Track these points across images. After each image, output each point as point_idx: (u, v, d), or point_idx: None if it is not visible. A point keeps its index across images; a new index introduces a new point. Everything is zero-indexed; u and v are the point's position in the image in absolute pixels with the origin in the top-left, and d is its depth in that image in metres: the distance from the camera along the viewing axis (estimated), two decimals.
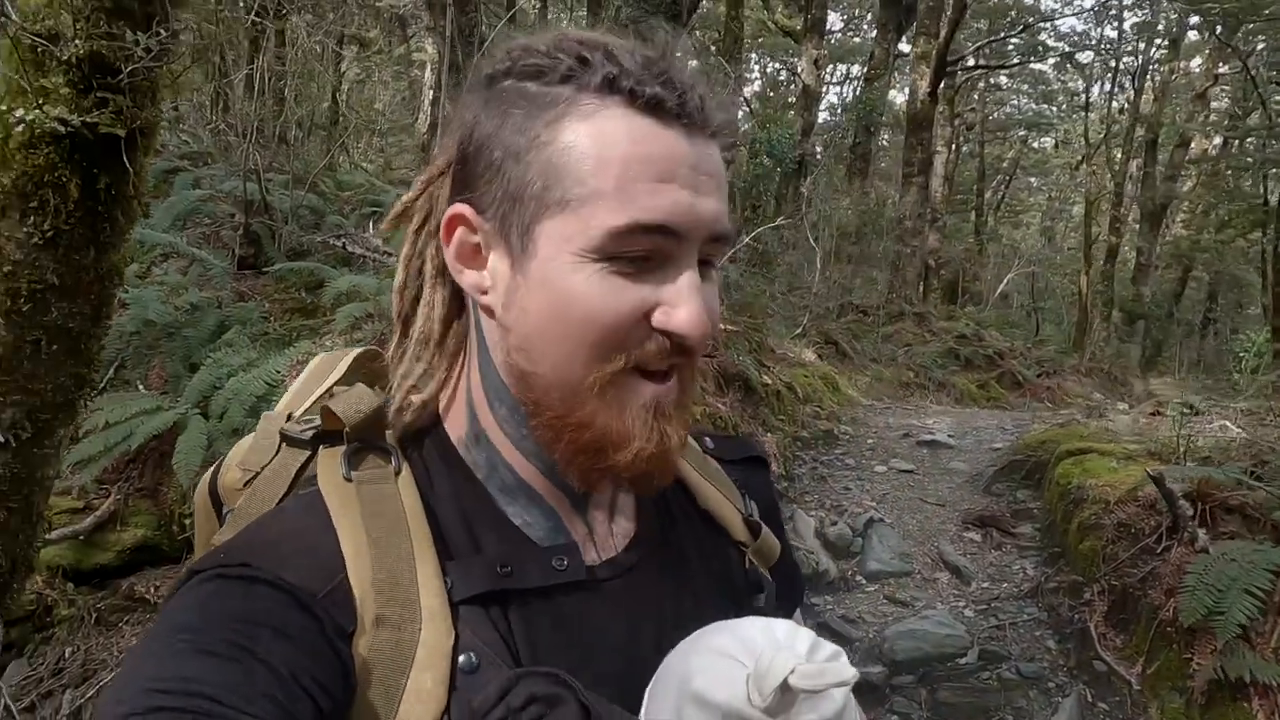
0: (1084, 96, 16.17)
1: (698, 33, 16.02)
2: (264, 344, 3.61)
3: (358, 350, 0.66)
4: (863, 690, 2.13)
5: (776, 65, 19.04)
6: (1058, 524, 3.20)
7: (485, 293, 0.53)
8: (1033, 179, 20.42)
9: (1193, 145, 16.55)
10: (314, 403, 0.62)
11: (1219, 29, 12.67)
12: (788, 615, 0.62)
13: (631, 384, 0.50)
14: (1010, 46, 13.79)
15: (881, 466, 4.29)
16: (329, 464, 0.55)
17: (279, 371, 3.33)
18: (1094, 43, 14.07)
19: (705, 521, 0.64)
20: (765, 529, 0.66)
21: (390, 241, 4.61)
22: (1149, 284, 15.94)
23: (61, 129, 1.09)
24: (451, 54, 8.88)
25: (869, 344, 8.68)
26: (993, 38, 13.60)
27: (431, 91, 15.79)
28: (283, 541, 0.49)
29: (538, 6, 11.53)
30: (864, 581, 3.25)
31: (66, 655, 2.79)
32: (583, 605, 0.54)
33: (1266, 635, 2.23)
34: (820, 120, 19.41)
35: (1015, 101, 18.06)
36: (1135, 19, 14.24)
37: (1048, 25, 14.47)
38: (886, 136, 17.63)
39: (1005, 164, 19.30)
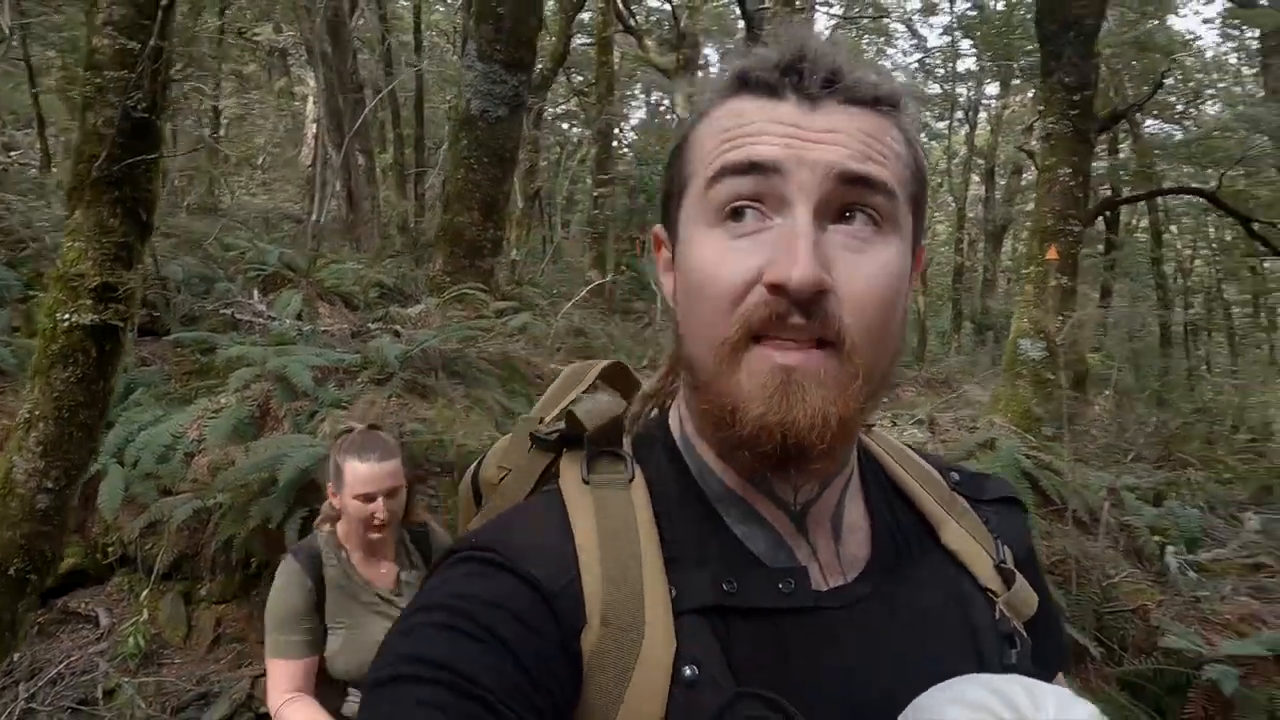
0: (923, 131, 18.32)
1: (574, 73, 17.31)
2: (167, 402, 4.50)
3: (606, 362, 0.70)
4: None
5: (660, 96, 20.42)
6: None
7: (673, 296, 0.59)
8: None
9: (1029, 171, 19.01)
10: (561, 410, 0.65)
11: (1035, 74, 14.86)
12: (1048, 679, 0.55)
13: (755, 352, 0.50)
14: None
15: None
16: (570, 467, 0.59)
17: (182, 425, 4.25)
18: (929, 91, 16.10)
19: (949, 562, 0.62)
20: (1020, 578, 0.63)
21: (274, 306, 5.52)
22: (994, 298, 18.13)
23: (88, 323, 2.15)
24: (330, 97, 9.72)
25: None
26: None
27: (314, 125, 16.38)
28: (525, 535, 0.55)
29: (413, 44, 12.42)
30: None
31: (16, 659, 3.65)
32: (806, 632, 0.54)
33: None
34: None
35: None
36: (965, 65, 16.37)
37: (897, 70, 16.43)
38: None
39: None
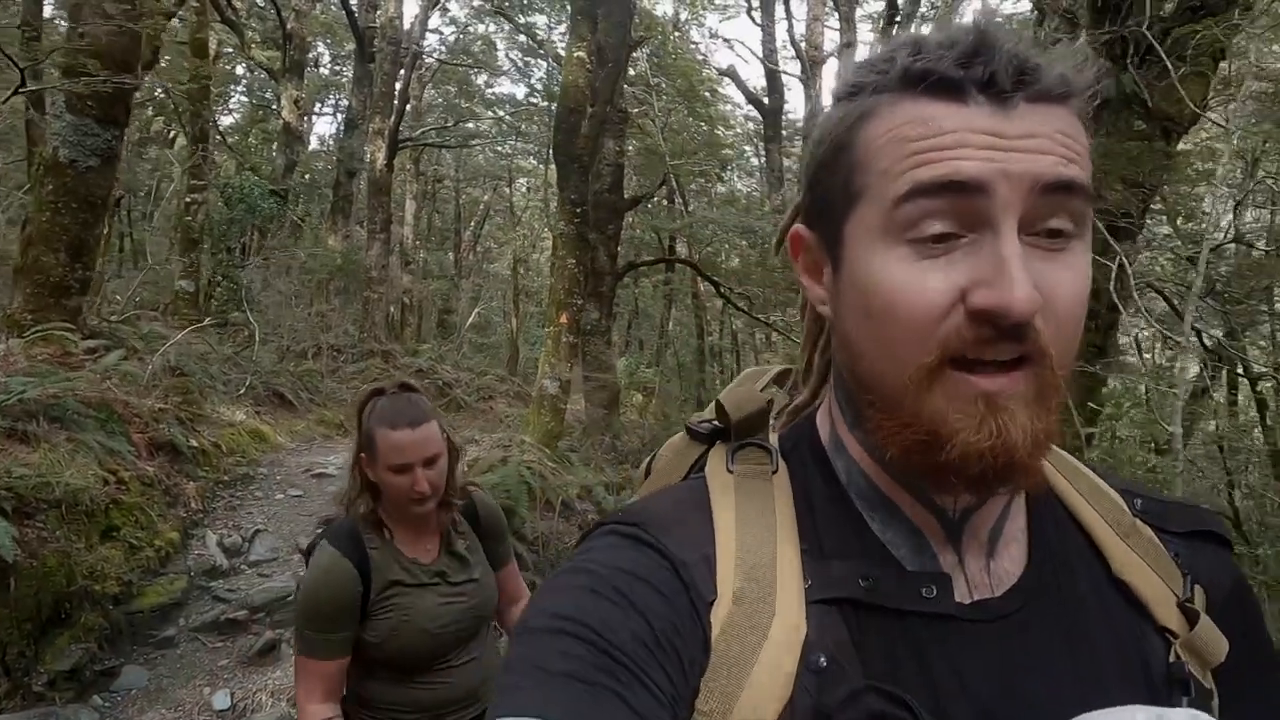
0: (509, 165, 21.13)
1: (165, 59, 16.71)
2: None
3: (779, 367, 0.74)
4: (232, 627, 4.78)
5: (266, 94, 20.31)
6: None
7: (824, 303, 0.60)
8: (500, 220, 25.19)
9: None
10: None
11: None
12: None
13: (955, 378, 0.50)
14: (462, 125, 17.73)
15: (280, 494, 6.88)
16: (716, 456, 0.65)
17: None
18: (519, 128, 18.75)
19: (1120, 593, 0.60)
20: (1204, 619, 0.59)
21: None
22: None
23: None
24: None
25: (332, 384, 11.17)
26: (433, 126, 17.38)
27: None
28: (667, 514, 0.60)
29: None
30: (246, 568, 5.81)
31: None
32: (942, 642, 0.55)
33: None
34: (313, 149, 21.38)
35: (482, 156, 22.40)
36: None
37: (489, 112, 18.79)
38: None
39: (481, 206, 23.68)
